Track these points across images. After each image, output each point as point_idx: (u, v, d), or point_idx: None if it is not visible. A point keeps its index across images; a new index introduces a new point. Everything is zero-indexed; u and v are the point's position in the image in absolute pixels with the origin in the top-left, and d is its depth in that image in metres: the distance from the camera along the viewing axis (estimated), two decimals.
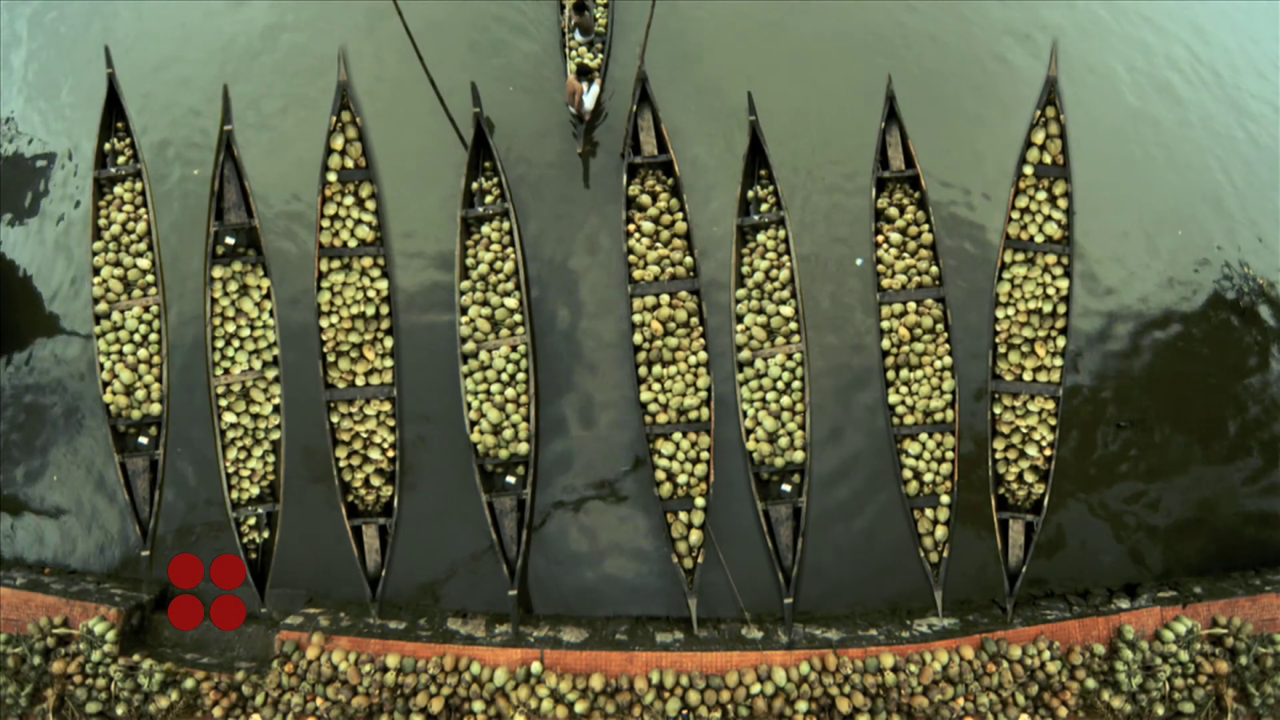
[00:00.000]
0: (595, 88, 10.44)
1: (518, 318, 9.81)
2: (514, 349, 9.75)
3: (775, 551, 9.41)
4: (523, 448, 9.56)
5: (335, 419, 9.73)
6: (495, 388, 9.67)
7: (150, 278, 10.04)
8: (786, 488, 9.53)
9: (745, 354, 9.79)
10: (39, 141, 10.98)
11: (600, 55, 10.97)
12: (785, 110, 10.61)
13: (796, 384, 9.67)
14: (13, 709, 9.02)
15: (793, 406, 9.66)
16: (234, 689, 8.96)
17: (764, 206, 10.26)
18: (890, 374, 9.82)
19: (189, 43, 11.06)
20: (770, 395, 9.69)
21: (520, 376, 9.70)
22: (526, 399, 9.64)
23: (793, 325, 9.78)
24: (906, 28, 11.12)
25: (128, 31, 11.18)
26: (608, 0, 11.23)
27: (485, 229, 10.15)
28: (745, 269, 10.11)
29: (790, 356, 9.73)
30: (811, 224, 10.34)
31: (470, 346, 9.76)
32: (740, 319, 9.95)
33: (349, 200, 10.12)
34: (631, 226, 10.10)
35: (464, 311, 9.90)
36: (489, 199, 10.23)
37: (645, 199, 10.11)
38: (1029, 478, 9.65)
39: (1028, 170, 10.15)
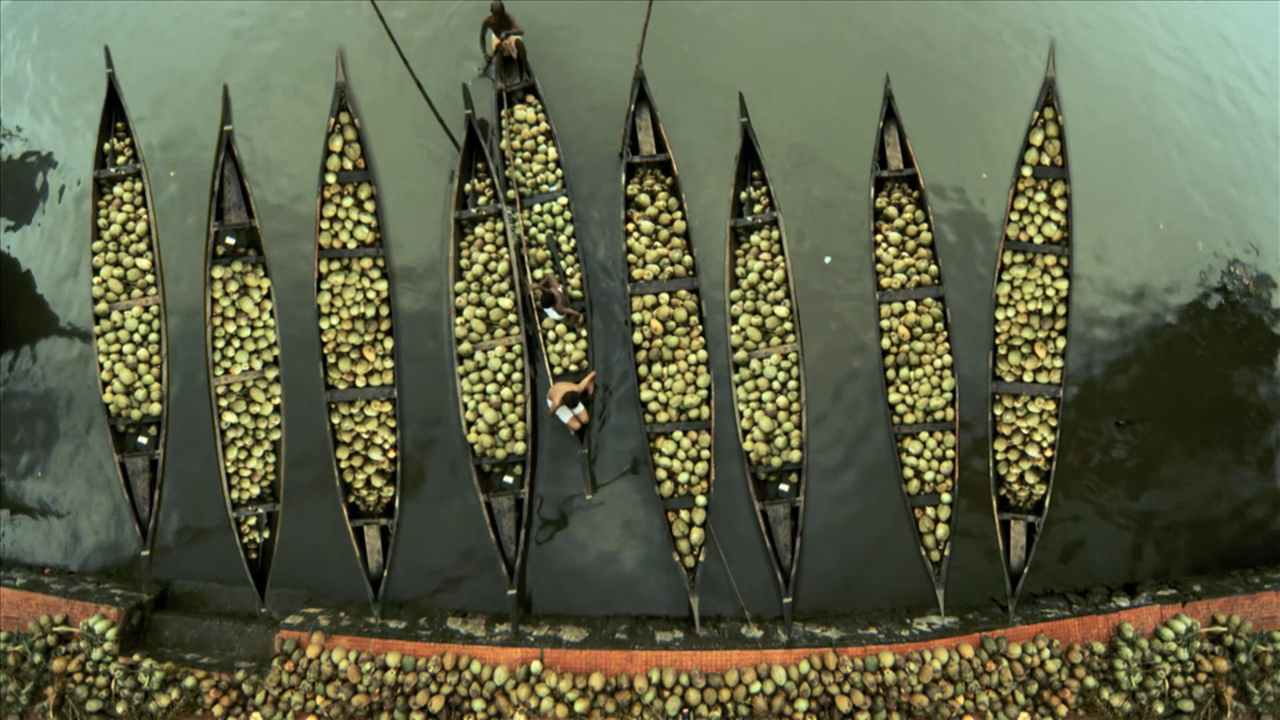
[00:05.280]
0: (580, 407, 9.20)
1: (512, 318, 9.82)
2: (509, 349, 9.75)
3: (774, 551, 9.41)
4: (520, 447, 9.57)
5: (336, 420, 9.74)
6: (491, 388, 9.68)
7: (150, 278, 10.06)
8: (784, 487, 9.54)
9: (741, 354, 9.80)
10: (38, 141, 10.99)
11: (583, 335, 9.83)
12: (782, 110, 10.62)
13: (792, 384, 9.68)
14: (13, 706, 9.03)
15: (789, 406, 9.66)
16: (234, 687, 8.97)
17: (757, 208, 10.27)
18: (890, 373, 9.83)
19: (189, 43, 11.07)
20: (766, 395, 9.70)
21: (516, 376, 9.70)
22: (523, 399, 9.65)
23: (787, 325, 9.79)
24: (905, 27, 11.13)
25: (127, 31, 11.19)
26: (575, 254, 9.99)
27: (479, 230, 10.16)
28: (739, 270, 10.12)
29: (785, 356, 9.74)
30: (808, 223, 10.34)
31: (466, 347, 9.77)
32: (735, 320, 9.95)
33: (348, 202, 10.13)
34: (630, 226, 10.12)
35: (459, 312, 9.91)
36: (482, 200, 10.24)
37: (644, 198, 10.12)
38: (1030, 479, 9.65)
39: (1026, 171, 10.17)
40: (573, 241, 10.02)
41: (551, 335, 9.82)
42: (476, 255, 10.01)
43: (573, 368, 9.73)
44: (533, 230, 10.06)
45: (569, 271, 9.93)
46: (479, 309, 9.84)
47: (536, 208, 10.12)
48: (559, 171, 10.22)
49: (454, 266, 10.02)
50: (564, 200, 10.10)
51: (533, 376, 9.75)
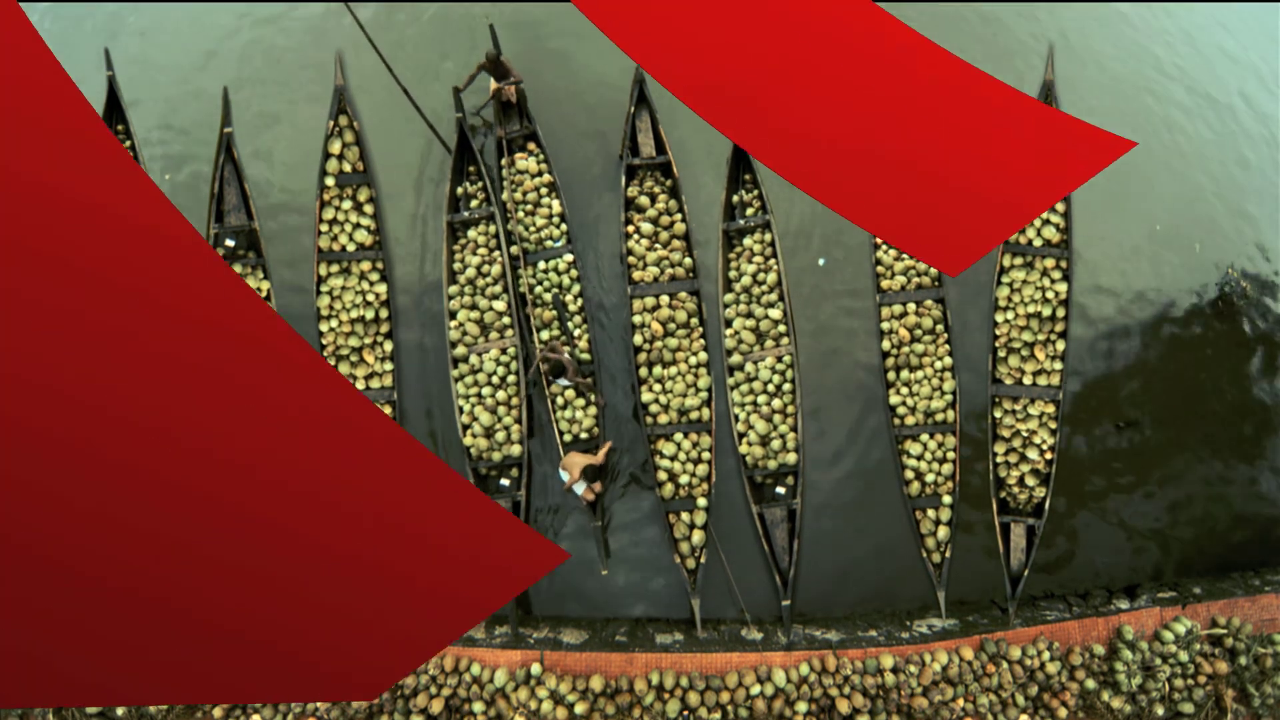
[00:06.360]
0: (595, 482, 9.04)
1: (506, 320, 9.81)
2: (504, 351, 9.75)
3: (771, 554, 9.41)
4: (516, 450, 9.56)
5: None
6: (486, 390, 9.67)
7: None
8: (780, 490, 9.53)
9: (735, 358, 9.80)
10: None
11: (594, 396, 9.53)
12: None
13: (788, 386, 9.68)
14: (13, 708, 9.02)
15: (784, 409, 9.66)
16: None
17: (749, 211, 10.27)
18: (890, 375, 9.82)
19: (189, 45, 11.08)
20: (761, 399, 9.70)
21: (510, 379, 9.69)
22: (519, 401, 9.64)
23: (781, 328, 9.78)
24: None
25: (127, 34, 11.19)
26: (582, 313, 9.76)
27: (471, 233, 10.15)
28: (732, 273, 10.11)
29: (780, 359, 9.73)
30: (804, 225, 10.33)
31: (460, 351, 9.76)
32: (729, 323, 9.95)
33: (347, 204, 10.13)
34: (630, 228, 10.12)
35: (453, 316, 9.90)
36: (474, 203, 10.23)
37: (644, 200, 10.12)
38: (1030, 481, 9.64)
39: None
40: (580, 300, 9.89)
41: (560, 401, 9.67)
42: (469, 258, 10.00)
43: (584, 435, 9.62)
44: (538, 289, 9.90)
45: (576, 333, 9.74)
46: (473, 312, 9.83)
47: (541, 265, 9.94)
48: (564, 226, 10.04)
49: (447, 270, 10.01)
50: (570, 257, 9.92)
51: (529, 381, 9.75)
